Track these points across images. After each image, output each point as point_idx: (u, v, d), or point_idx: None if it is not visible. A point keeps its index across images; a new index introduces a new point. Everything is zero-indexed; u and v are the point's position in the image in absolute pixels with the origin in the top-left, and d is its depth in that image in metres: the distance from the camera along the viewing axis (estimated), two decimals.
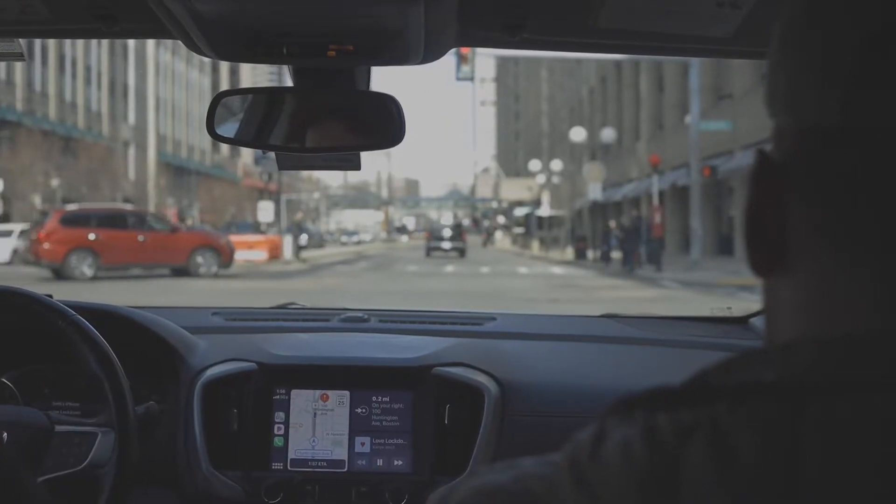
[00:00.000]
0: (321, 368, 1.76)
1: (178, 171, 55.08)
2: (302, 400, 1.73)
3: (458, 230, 38.73)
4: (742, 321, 2.17)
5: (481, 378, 1.73)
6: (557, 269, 26.50)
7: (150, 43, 52.40)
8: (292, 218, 37.78)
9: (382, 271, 24.98)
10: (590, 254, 30.70)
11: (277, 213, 37.21)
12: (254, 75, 60.37)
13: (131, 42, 49.78)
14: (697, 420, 0.41)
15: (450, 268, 26.95)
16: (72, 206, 24.44)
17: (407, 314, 2.19)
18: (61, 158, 38.22)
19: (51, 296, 1.55)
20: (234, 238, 29.77)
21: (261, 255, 28.97)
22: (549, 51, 1.40)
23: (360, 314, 2.11)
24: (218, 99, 1.40)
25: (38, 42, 34.17)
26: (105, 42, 46.65)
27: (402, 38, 1.22)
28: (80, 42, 44.40)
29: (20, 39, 1.43)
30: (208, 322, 2.06)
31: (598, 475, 0.42)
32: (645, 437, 0.42)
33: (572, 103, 53.18)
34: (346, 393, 1.73)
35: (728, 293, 16.36)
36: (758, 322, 2.12)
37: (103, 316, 1.67)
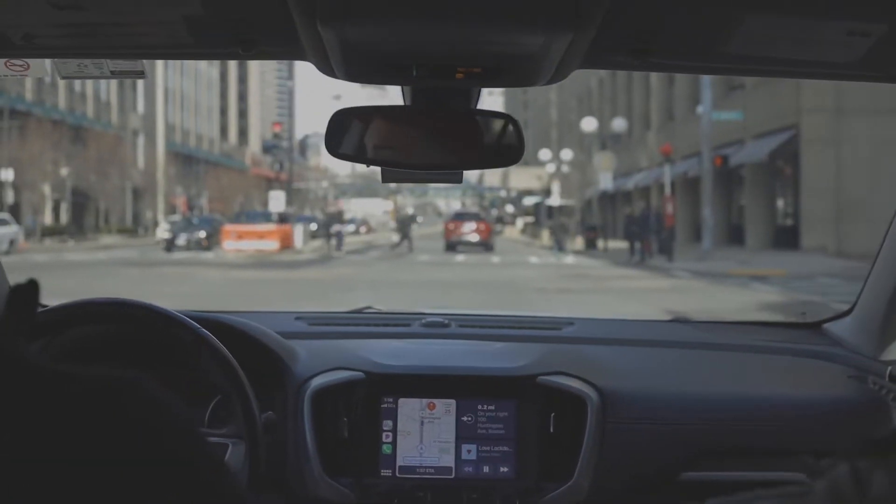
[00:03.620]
0: (428, 377, 1.80)
1: (186, 160, 55.02)
2: (409, 408, 1.77)
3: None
4: (815, 326, 2.19)
5: (582, 386, 1.77)
6: (568, 259, 26.46)
7: None
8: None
9: (393, 261, 24.95)
10: (599, 243, 30.70)
11: (289, 203, 37.38)
12: (261, 71, 60.09)
13: None
14: None
15: (460, 257, 26.92)
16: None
17: (485, 318, 2.22)
18: (71, 148, 38.24)
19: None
20: (244, 227, 29.88)
21: (272, 244, 28.99)
22: (671, 72, 1.42)
23: (440, 319, 2.14)
24: (336, 118, 1.42)
25: None
26: None
27: (535, 61, 1.23)
28: None
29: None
30: (294, 327, 2.09)
31: None
32: None
33: (581, 93, 52.92)
34: (453, 401, 1.77)
35: (740, 283, 16.33)
36: (831, 327, 2.15)
37: (207, 325, 1.69)
